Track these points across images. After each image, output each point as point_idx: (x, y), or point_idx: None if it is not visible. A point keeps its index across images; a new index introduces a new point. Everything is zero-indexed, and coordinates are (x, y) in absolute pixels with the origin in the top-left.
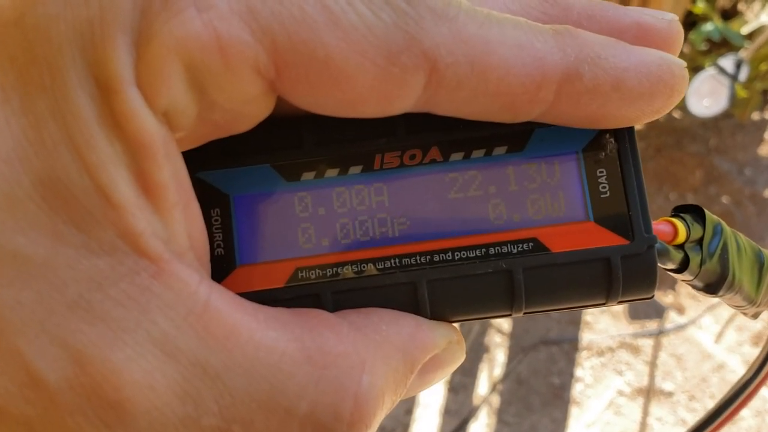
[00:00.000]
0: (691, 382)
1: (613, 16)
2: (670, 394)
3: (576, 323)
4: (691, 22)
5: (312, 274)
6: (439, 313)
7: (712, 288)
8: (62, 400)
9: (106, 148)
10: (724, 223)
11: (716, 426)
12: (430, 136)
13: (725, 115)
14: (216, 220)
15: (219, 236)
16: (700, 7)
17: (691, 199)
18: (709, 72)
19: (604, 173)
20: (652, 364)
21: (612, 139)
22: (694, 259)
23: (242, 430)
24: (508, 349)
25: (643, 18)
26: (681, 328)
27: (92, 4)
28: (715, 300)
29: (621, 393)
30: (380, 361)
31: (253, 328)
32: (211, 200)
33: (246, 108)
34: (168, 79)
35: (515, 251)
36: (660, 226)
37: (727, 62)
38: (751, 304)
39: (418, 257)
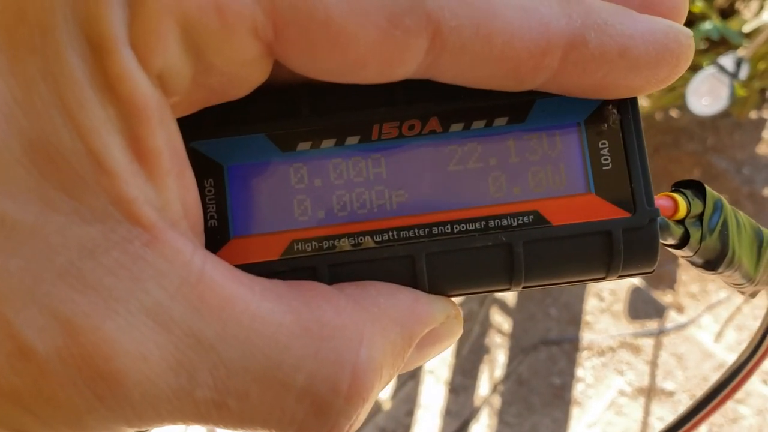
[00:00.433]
0: (692, 382)
1: None
2: (671, 394)
3: (576, 323)
4: (689, 21)
5: (308, 246)
6: (437, 287)
7: (711, 264)
8: (52, 371)
9: (99, 111)
10: (724, 200)
11: (707, 411)
12: (430, 106)
13: (723, 114)
14: (209, 191)
15: (212, 207)
16: (699, 6)
17: None
18: (709, 71)
19: (606, 145)
20: (653, 364)
21: (615, 111)
22: (694, 234)
23: (237, 403)
24: (509, 350)
25: None
26: (681, 327)
27: None
28: (714, 299)
29: (622, 393)
30: (378, 335)
31: (249, 299)
32: (205, 171)
33: (242, 71)
34: (163, 39)
35: (515, 224)
36: (661, 201)
37: (728, 61)
38: (749, 282)
39: (416, 230)
